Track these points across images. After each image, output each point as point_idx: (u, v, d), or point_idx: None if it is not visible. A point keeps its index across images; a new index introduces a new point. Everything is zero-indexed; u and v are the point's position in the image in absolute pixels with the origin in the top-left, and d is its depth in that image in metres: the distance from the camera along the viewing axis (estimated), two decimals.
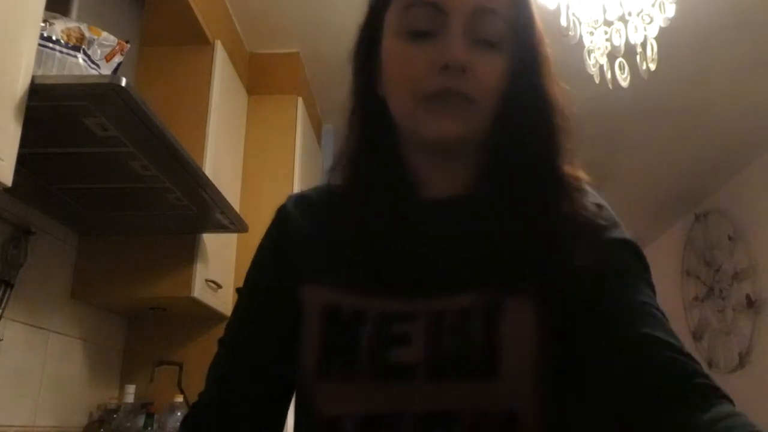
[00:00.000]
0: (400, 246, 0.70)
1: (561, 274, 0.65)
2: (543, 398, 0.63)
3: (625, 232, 0.71)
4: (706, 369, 0.61)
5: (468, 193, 0.73)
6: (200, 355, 2.38)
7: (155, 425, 2.13)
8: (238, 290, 0.82)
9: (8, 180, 1.13)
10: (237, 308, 0.81)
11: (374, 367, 0.65)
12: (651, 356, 0.59)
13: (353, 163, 0.76)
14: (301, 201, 0.81)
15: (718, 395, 0.57)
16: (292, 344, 0.71)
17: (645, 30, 2.02)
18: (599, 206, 0.72)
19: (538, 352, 0.63)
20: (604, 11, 2.04)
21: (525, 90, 0.70)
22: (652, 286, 0.68)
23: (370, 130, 0.76)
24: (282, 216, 0.81)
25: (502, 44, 0.69)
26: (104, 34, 1.48)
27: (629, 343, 0.61)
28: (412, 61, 0.69)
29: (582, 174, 0.74)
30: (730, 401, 0.56)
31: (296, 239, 0.77)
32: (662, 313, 0.64)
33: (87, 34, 1.44)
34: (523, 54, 0.71)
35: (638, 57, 2.06)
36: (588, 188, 0.73)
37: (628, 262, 0.69)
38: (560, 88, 0.73)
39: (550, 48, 0.73)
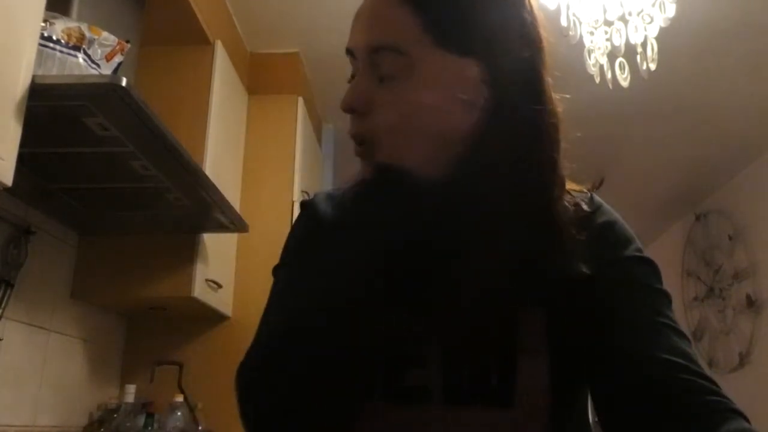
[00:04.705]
0: (421, 259, 0.67)
1: (572, 292, 0.65)
2: (557, 423, 0.63)
3: (639, 246, 0.72)
4: (706, 369, 0.62)
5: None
6: (200, 355, 2.39)
7: (155, 425, 2.13)
8: (274, 270, 0.77)
9: (8, 180, 1.13)
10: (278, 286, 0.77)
11: (390, 389, 0.66)
12: (667, 379, 0.60)
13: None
14: (329, 197, 0.80)
15: (734, 413, 0.57)
16: None
17: (645, 30, 2.02)
18: (609, 222, 0.72)
19: (552, 376, 0.63)
20: (605, 11, 2.04)
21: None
22: (669, 300, 0.70)
23: None
24: (311, 210, 0.78)
25: (401, 76, 0.66)
26: (104, 33, 1.48)
27: (645, 366, 0.61)
28: None
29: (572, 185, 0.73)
30: (746, 419, 0.57)
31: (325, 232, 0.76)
32: (680, 331, 0.65)
33: (87, 33, 1.43)
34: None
35: (638, 57, 2.05)
36: (593, 202, 0.72)
37: (645, 279, 0.70)
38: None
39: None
